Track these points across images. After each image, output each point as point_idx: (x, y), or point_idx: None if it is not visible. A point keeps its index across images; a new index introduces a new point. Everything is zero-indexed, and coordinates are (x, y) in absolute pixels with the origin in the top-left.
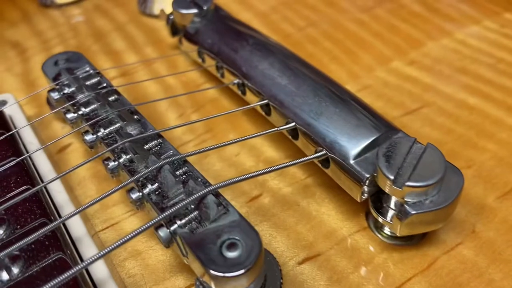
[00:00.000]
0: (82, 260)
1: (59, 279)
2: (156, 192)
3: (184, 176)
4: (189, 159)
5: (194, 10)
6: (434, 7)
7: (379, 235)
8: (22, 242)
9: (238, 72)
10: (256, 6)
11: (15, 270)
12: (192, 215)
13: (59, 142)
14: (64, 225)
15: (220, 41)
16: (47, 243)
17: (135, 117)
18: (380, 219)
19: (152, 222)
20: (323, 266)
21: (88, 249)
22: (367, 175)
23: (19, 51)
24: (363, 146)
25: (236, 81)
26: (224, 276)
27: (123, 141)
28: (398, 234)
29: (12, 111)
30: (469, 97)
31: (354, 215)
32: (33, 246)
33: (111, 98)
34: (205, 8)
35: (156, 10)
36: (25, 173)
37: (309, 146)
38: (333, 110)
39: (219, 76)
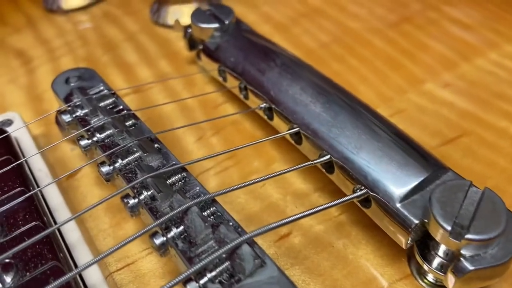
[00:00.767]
0: None
1: None
2: (182, 236)
3: (212, 217)
4: (212, 187)
5: (215, 25)
6: (465, 24)
7: (423, 284)
8: None
9: (265, 96)
10: (274, 17)
11: None
12: (224, 265)
13: (67, 166)
14: (76, 265)
15: (245, 60)
16: None
17: (156, 145)
18: (425, 267)
19: (182, 277)
20: None
21: None
22: (416, 221)
23: (23, 60)
24: (411, 188)
25: (263, 105)
26: None
27: (145, 176)
28: None
29: (18, 132)
30: (510, 126)
31: (395, 260)
32: None
33: (128, 123)
34: (226, 22)
35: (171, 21)
36: (35, 208)
37: (346, 182)
38: (375, 144)
39: (242, 98)
